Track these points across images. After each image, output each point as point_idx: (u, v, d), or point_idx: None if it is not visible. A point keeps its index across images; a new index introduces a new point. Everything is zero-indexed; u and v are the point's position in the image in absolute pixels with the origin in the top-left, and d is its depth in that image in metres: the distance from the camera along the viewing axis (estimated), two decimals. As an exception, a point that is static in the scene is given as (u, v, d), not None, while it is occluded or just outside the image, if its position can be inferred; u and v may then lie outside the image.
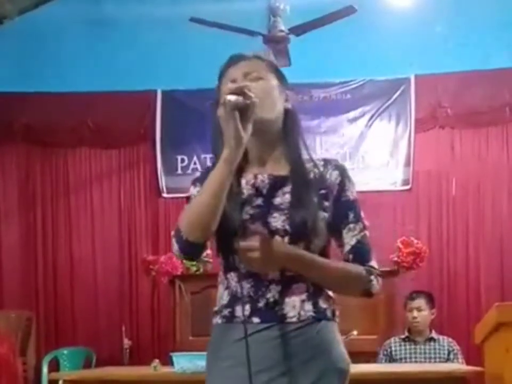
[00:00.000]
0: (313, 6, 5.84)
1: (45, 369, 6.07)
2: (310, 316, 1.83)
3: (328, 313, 1.87)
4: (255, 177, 1.89)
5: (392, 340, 5.29)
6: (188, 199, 1.91)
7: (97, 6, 6.60)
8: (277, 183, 1.87)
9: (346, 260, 1.89)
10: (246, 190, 1.87)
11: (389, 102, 6.71)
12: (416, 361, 5.16)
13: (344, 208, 1.88)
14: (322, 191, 1.87)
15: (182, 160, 6.76)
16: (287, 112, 1.92)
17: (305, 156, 1.92)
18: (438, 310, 5.65)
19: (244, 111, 1.74)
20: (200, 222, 1.76)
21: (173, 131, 6.80)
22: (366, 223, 1.92)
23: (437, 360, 5.14)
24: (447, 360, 5.13)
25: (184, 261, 5.77)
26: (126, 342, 6.27)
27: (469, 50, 6.51)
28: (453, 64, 6.53)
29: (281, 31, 5.89)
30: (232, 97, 1.72)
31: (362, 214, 1.91)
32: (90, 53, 6.74)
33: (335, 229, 1.89)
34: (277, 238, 1.80)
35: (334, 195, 1.88)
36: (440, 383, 4.20)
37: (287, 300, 1.83)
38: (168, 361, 4.48)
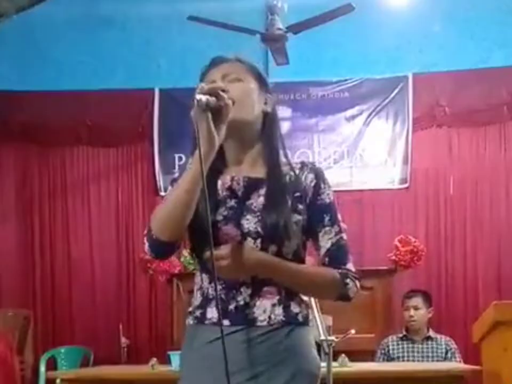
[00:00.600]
0: (311, 4, 5.83)
1: (42, 368, 6.06)
2: (280, 320, 1.82)
3: (300, 318, 1.85)
4: (232, 179, 1.88)
5: (389, 338, 5.29)
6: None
7: (94, 4, 6.57)
8: (252, 185, 1.87)
9: (323, 263, 1.88)
10: (221, 191, 1.87)
11: (387, 100, 6.70)
12: (413, 360, 5.16)
13: (319, 211, 1.88)
14: (297, 194, 1.87)
15: (180, 159, 6.73)
16: (266, 115, 1.92)
17: (282, 158, 1.91)
18: (435, 308, 5.65)
19: (217, 112, 1.72)
20: (170, 221, 1.75)
21: (170, 130, 6.77)
22: (344, 225, 1.90)
23: (435, 359, 5.14)
24: (445, 359, 5.13)
25: (182, 260, 5.80)
26: (124, 341, 6.26)
27: (467, 49, 6.51)
28: (451, 63, 6.53)
29: (279, 29, 5.87)
30: (203, 97, 1.70)
31: (339, 216, 1.90)
32: (87, 51, 6.72)
33: (312, 232, 1.88)
34: (248, 243, 1.80)
35: (309, 198, 1.87)
36: (438, 381, 4.20)
37: (258, 303, 1.82)
38: (165, 360, 4.49)
